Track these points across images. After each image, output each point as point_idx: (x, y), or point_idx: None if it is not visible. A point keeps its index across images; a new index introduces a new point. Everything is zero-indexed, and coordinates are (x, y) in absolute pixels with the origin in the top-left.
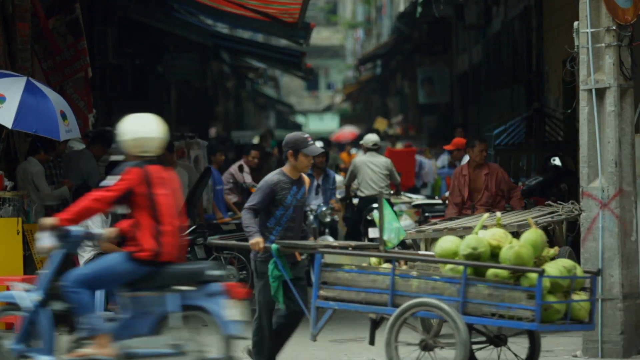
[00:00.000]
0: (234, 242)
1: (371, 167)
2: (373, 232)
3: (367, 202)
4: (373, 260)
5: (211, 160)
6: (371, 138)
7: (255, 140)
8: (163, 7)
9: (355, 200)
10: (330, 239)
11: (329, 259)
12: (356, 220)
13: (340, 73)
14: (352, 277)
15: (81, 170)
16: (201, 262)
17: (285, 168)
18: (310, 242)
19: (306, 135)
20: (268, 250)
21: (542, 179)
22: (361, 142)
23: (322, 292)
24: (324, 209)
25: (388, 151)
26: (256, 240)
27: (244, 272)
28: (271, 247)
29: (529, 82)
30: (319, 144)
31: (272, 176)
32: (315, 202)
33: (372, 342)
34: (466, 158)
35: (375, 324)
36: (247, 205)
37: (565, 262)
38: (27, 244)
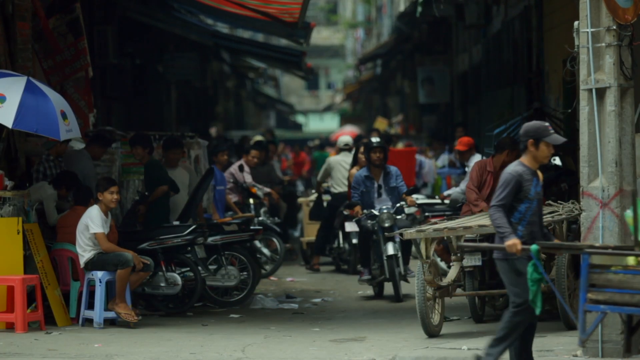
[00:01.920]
0: (486, 244)
1: (344, 165)
2: (349, 226)
3: (340, 198)
4: (631, 260)
5: (214, 160)
6: (343, 139)
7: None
8: (163, 6)
9: (327, 197)
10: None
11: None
12: (328, 215)
13: (341, 73)
14: (626, 279)
15: (79, 171)
16: None
17: (524, 159)
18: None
19: (547, 124)
20: (526, 251)
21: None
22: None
23: (590, 296)
24: (384, 210)
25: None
26: (513, 242)
27: (245, 273)
28: (530, 249)
29: (529, 81)
30: (345, 138)
31: (515, 167)
32: (381, 206)
33: (628, 350)
34: (475, 158)
35: (631, 329)
36: (494, 202)
37: None
38: (27, 243)
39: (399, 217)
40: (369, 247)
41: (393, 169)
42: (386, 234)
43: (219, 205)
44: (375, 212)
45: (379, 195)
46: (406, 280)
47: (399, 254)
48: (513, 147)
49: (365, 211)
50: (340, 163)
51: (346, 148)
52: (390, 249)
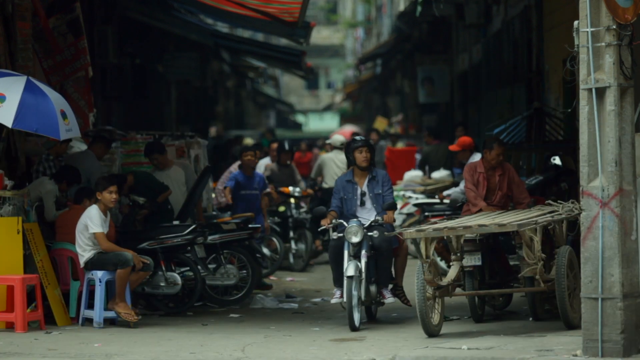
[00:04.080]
0: None
1: (336, 162)
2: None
3: (330, 193)
4: None
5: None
6: (338, 138)
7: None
8: (163, 6)
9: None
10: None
11: None
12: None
13: (341, 72)
14: None
15: (85, 171)
16: None
17: None
18: None
19: None
20: None
21: (542, 178)
22: (328, 142)
23: None
24: (353, 223)
25: (388, 150)
26: None
27: (244, 271)
28: None
29: (529, 81)
30: (339, 137)
31: None
32: (364, 217)
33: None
34: (474, 157)
35: None
36: None
37: None
38: (27, 243)
39: (371, 233)
40: (340, 264)
41: (381, 172)
42: (392, 236)
43: (255, 210)
44: (345, 224)
45: (362, 203)
46: (379, 304)
47: (363, 276)
48: (490, 146)
49: (334, 221)
50: (333, 160)
51: (340, 147)
52: (350, 269)
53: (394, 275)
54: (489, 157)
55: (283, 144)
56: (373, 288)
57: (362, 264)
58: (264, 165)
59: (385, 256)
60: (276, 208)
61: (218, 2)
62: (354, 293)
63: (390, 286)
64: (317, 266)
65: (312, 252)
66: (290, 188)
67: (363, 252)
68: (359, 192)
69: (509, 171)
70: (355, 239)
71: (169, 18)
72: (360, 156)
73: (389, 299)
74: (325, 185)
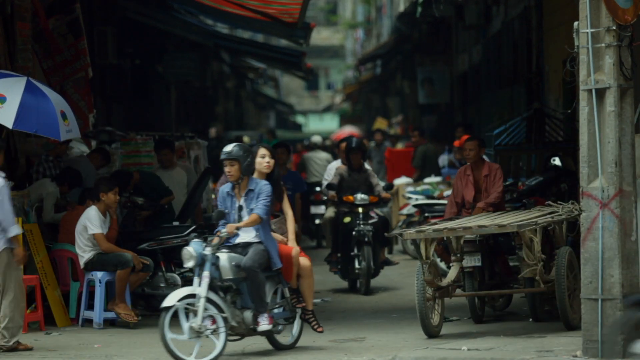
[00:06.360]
0: None
1: (315, 160)
2: (312, 209)
3: (313, 186)
4: None
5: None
6: (314, 139)
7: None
8: (163, 7)
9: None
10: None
11: None
12: (305, 203)
13: (340, 73)
14: None
15: (81, 174)
16: None
17: None
18: None
19: None
20: None
21: (542, 179)
22: (307, 142)
23: None
24: (192, 245)
25: (388, 151)
26: None
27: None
28: None
29: (529, 82)
30: (317, 138)
31: None
32: (243, 234)
33: None
34: None
35: None
36: None
37: None
38: (27, 244)
39: (208, 248)
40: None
41: (260, 183)
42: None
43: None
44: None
45: (240, 218)
46: (275, 332)
47: (201, 302)
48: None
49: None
50: (312, 158)
51: (317, 146)
52: (171, 297)
53: (302, 299)
54: (464, 155)
55: (351, 141)
56: (248, 314)
57: (202, 287)
58: (334, 168)
59: (252, 278)
60: (342, 219)
61: (218, 3)
62: (185, 325)
63: (299, 311)
64: (318, 267)
65: (375, 271)
66: (358, 195)
67: (204, 273)
68: (236, 206)
69: (494, 172)
70: (189, 264)
71: (169, 19)
72: (263, 161)
73: (263, 326)
74: (308, 180)
